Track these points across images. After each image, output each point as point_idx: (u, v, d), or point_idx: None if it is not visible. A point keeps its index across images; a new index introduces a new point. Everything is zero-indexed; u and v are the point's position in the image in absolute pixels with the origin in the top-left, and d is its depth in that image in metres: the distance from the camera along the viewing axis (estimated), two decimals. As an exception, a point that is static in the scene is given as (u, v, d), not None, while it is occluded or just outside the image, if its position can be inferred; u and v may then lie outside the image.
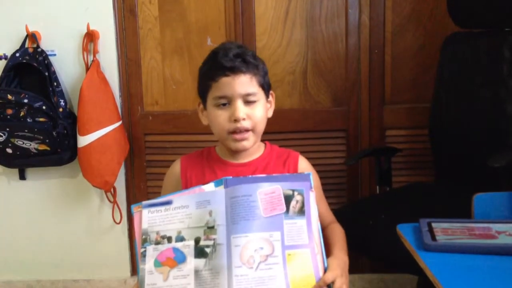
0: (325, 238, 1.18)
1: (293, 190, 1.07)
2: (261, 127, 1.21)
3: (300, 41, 2.08)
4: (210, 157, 1.28)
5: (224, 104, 1.18)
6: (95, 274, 2.26)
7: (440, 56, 1.88)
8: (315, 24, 2.07)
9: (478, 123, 1.77)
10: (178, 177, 1.27)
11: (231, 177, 1.09)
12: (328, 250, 1.12)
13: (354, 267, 1.19)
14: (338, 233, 1.23)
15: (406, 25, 2.06)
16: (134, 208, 1.11)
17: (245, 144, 1.19)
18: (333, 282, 1.03)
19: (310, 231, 1.05)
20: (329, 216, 1.28)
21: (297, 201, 1.07)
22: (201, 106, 1.26)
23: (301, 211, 1.06)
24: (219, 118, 1.18)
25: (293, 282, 1.01)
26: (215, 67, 1.17)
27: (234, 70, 1.16)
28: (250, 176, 1.13)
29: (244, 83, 1.17)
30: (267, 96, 1.24)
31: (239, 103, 1.17)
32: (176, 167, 1.29)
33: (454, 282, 0.94)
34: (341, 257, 1.12)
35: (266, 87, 1.23)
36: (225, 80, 1.16)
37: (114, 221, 2.18)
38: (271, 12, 2.07)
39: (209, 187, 1.08)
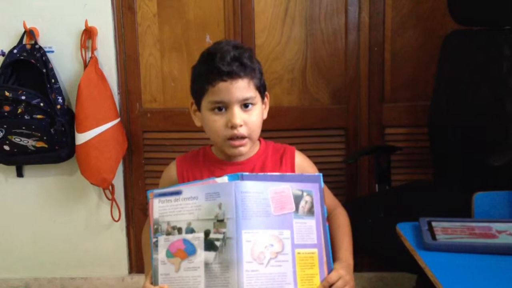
0: (330, 229, 1.19)
1: (302, 191, 1.07)
2: (257, 132, 1.20)
3: (299, 39, 2.07)
4: (207, 157, 1.27)
5: (220, 109, 1.16)
6: (92, 271, 2.25)
7: (440, 54, 1.88)
8: (314, 22, 2.06)
9: (478, 122, 1.76)
10: (175, 180, 1.25)
11: (247, 173, 1.08)
12: (333, 246, 1.13)
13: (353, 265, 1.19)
14: (343, 229, 1.22)
15: (406, 22, 2.05)
16: (150, 194, 1.10)
17: (242, 150, 1.18)
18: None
19: (319, 231, 1.07)
20: (332, 203, 1.27)
21: (306, 202, 1.07)
22: (194, 106, 1.23)
23: (310, 212, 1.07)
24: (216, 123, 1.16)
25: (301, 281, 1.03)
26: (212, 71, 1.14)
27: (231, 75, 1.13)
28: (264, 173, 1.13)
29: (242, 88, 1.14)
30: (262, 97, 1.22)
31: (236, 109, 1.14)
32: (172, 170, 1.27)
33: (454, 282, 0.94)
34: (345, 260, 1.14)
35: (262, 90, 1.21)
36: (222, 85, 1.13)
37: (112, 218, 2.17)
38: (270, 9, 2.06)
39: (222, 180, 1.07)
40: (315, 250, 1.06)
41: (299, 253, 1.04)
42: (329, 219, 1.22)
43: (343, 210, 1.28)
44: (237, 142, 1.16)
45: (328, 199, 1.26)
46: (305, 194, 1.07)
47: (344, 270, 1.09)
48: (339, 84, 2.09)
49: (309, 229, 1.06)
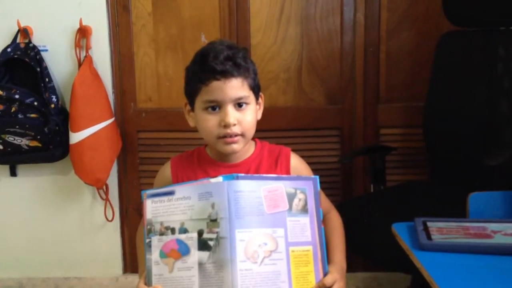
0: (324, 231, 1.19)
1: (296, 189, 1.07)
2: (251, 132, 1.19)
3: (295, 39, 2.07)
4: (202, 159, 1.26)
5: (213, 108, 1.15)
6: (86, 272, 2.24)
7: (435, 54, 1.88)
8: (310, 22, 2.06)
9: (472, 122, 1.77)
10: (169, 180, 1.25)
11: (242, 174, 1.08)
12: (327, 248, 1.13)
13: (347, 266, 1.19)
14: (337, 231, 1.23)
15: (401, 23, 2.05)
16: (144, 195, 1.10)
17: (234, 147, 1.17)
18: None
19: (313, 229, 1.07)
20: (326, 206, 1.27)
21: (299, 199, 1.07)
22: (188, 107, 1.23)
23: (304, 209, 1.07)
24: (209, 122, 1.16)
25: (295, 278, 1.03)
26: (205, 70, 1.14)
27: (225, 74, 1.13)
28: (259, 175, 1.14)
29: (235, 87, 1.14)
30: (257, 98, 1.21)
31: (230, 108, 1.14)
32: (167, 170, 1.27)
33: (450, 282, 0.94)
34: (339, 263, 1.15)
35: (256, 90, 1.20)
36: (215, 84, 1.13)
37: (106, 218, 2.16)
38: (266, 9, 2.06)
39: (217, 180, 1.07)
40: (310, 247, 1.06)
41: (293, 251, 1.04)
42: (323, 222, 1.22)
43: (337, 212, 1.29)
44: (229, 139, 1.16)
45: (322, 201, 1.26)
46: (298, 192, 1.07)
47: (338, 273, 1.09)
48: (334, 84, 2.09)
49: (303, 227, 1.06)
